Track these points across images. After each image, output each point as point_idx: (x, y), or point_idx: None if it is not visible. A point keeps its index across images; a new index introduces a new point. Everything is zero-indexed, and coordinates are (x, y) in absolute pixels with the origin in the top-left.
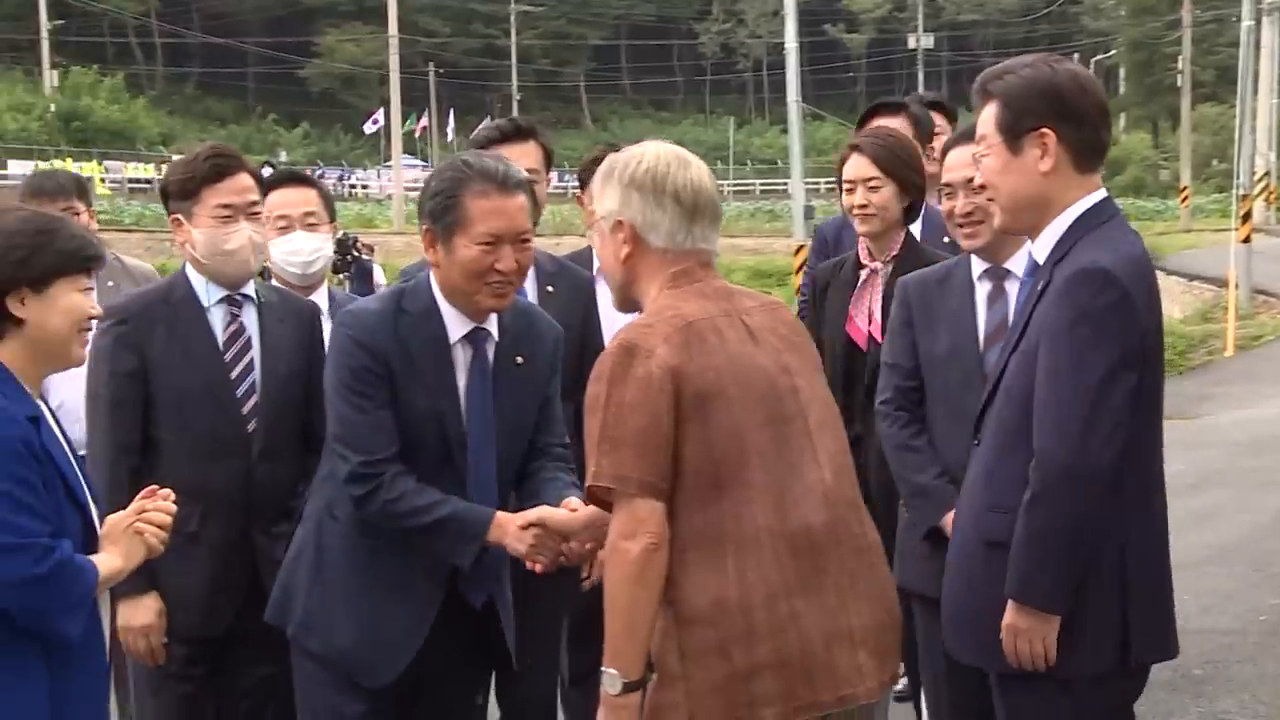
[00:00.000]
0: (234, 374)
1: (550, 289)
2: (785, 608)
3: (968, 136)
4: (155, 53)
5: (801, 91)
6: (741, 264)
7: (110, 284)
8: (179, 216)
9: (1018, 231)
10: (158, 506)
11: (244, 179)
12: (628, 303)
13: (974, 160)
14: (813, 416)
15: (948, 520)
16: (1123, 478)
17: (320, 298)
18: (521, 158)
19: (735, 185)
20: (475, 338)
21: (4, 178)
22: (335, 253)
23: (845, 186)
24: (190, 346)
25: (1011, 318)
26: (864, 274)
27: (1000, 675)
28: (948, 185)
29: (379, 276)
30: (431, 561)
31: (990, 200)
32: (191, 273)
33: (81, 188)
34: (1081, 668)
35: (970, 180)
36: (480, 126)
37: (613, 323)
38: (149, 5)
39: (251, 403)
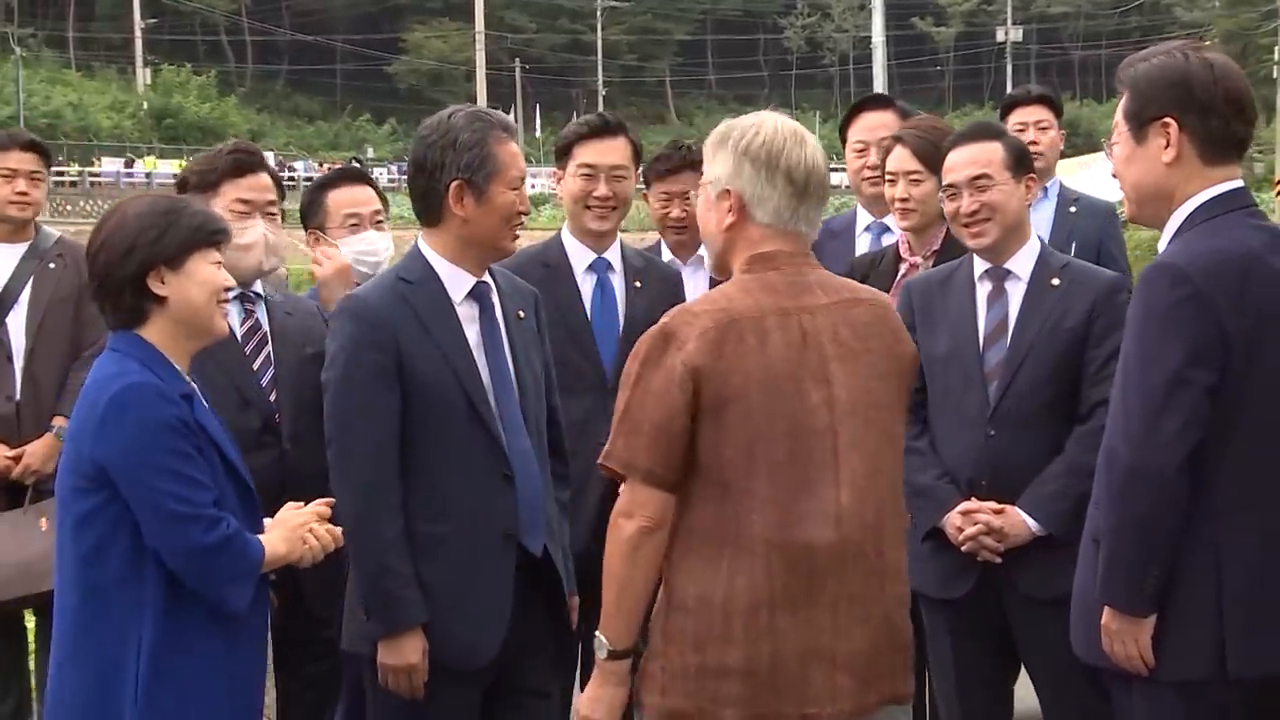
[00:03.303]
0: (255, 365)
1: (638, 284)
2: (766, 620)
3: (967, 137)
4: (245, 50)
5: (888, 86)
6: None
7: None
8: None
9: (1144, 222)
10: (330, 530)
11: (264, 178)
12: (724, 269)
13: (1106, 149)
14: (844, 433)
15: (947, 520)
16: (1205, 478)
17: None
18: (610, 153)
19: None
20: (479, 292)
21: (98, 175)
22: None
23: (887, 179)
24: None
25: (1012, 317)
26: (904, 268)
27: (1107, 674)
28: (951, 186)
29: None
30: (491, 530)
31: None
32: None
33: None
34: (1173, 673)
35: (976, 179)
36: (571, 123)
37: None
38: (239, 3)
39: (275, 394)
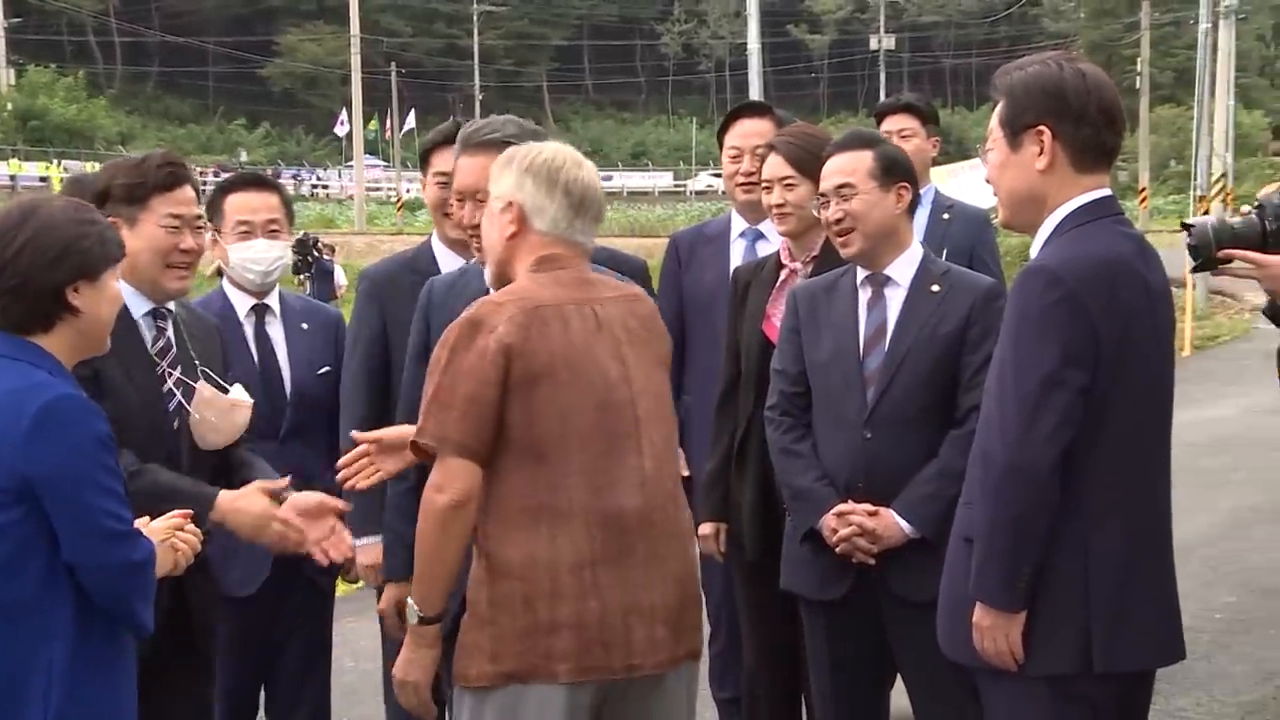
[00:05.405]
0: (165, 388)
1: None
2: (590, 576)
3: (843, 145)
4: (114, 51)
5: (764, 92)
6: None
7: None
8: (118, 221)
9: (1017, 228)
10: (192, 531)
11: (189, 191)
12: (501, 280)
13: (981, 155)
14: (641, 407)
15: (825, 522)
16: (1074, 477)
17: (271, 299)
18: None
19: (700, 185)
20: None
21: None
22: (295, 253)
23: (764, 186)
24: (123, 360)
25: (891, 323)
26: (784, 274)
27: (978, 671)
28: (822, 194)
29: (339, 277)
30: None
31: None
32: (121, 282)
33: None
34: (1041, 667)
35: (840, 187)
36: (431, 130)
37: None
38: (107, 4)
39: (179, 415)
